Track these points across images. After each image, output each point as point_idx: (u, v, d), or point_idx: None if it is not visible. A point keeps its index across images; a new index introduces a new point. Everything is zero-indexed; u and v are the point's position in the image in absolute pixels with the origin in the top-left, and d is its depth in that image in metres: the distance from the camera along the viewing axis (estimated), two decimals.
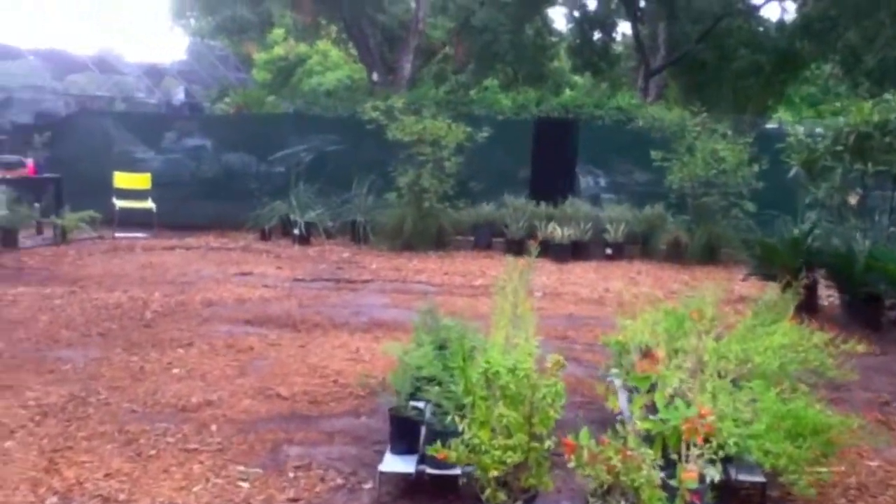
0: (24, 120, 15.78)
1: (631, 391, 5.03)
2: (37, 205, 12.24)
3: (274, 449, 5.07)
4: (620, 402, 5.20)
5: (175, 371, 6.43)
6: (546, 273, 10.57)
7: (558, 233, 12.07)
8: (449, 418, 3.97)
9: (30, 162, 12.70)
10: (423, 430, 4.66)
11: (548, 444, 3.72)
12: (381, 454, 4.90)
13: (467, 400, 3.78)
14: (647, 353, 5.05)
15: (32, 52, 21.83)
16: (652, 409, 3.97)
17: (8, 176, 12.34)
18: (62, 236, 11.95)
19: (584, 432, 3.56)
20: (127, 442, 5.06)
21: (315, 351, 7.05)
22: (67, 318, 7.82)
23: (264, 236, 12.76)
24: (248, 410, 5.66)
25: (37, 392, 5.83)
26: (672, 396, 4.02)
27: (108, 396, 5.81)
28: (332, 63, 30.07)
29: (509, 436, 3.66)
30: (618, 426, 3.77)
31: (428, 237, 12.25)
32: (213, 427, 5.34)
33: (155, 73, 25.42)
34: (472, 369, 3.92)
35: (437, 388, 4.68)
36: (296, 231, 12.56)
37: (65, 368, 6.39)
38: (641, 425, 3.65)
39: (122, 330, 7.51)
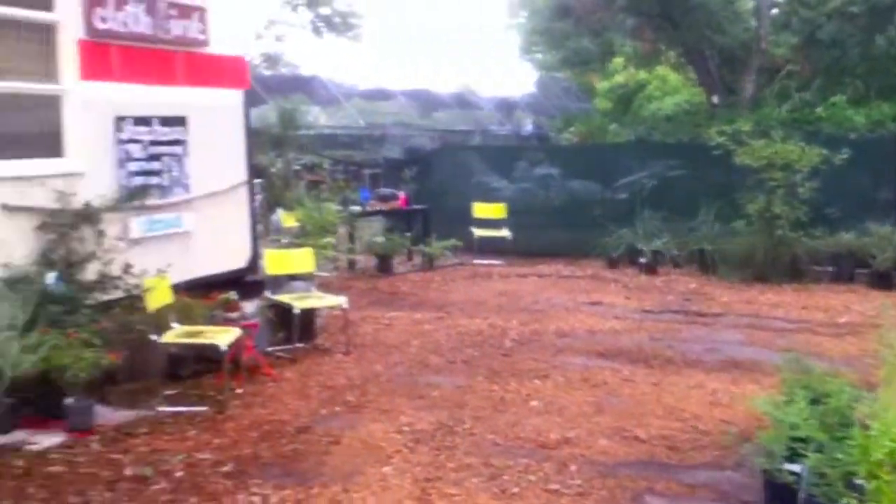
0: (395, 155, 16.80)
1: None
2: (407, 234, 12.89)
3: (635, 498, 4.72)
4: None
5: (533, 404, 6.30)
6: None
7: None
8: (844, 501, 3.34)
9: (402, 194, 13.45)
10: (802, 496, 4.07)
11: None
12: None
13: (871, 485, 3.13)
14: None
15: (402, 93, 23.42)
16: None
17: (383, 207, 13.17)
18: (429, 263, 12.51)
19: None
20: (491, 476, 4.97)
21: (669, 390, 6.59)
22: (435, 344, 8.04)
23: (611, 264, 12.41)
24: (607, 452, 5.36)
25: (410, 417, 5.97)
26: None
27: (473, 426, 5.80)
28: (670, 88, 29.13)
29: None
30: None
31: (781, 268, 11.09)
32: (573, 467, 5.10)
33: (506, 106, 26.19)
34: (873, 445, 3.27)
35: (816, 453, 4.05)
36: (641, 260, 12.07)
37: (433, 395, 6.51)
38: None
39: (483, 358, 7.56)
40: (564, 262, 12.86)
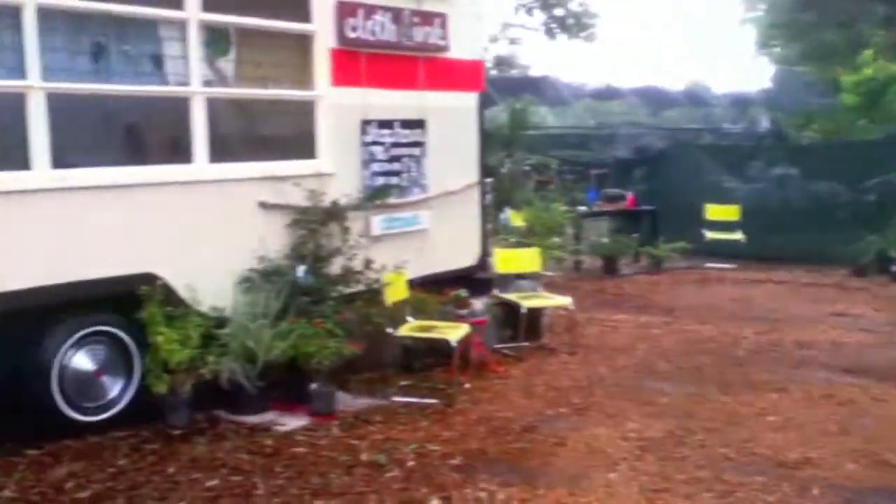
0: (623, 154, 16.41)
1: None
2: (634, 235, 12.53)
3: None
4: None
5: (770, 419, 5.88)
6: None
7: None
8: None
9: (629, 195, 13.12)
10: None
11: None
12: None
13: None
14: None
15: (631, 91, 22.90)
16: None
17: (610, 208, 12.92)
18: (656, 265, 12.11)
19: None
20: (723, 493, 4.68)
21: None
22: (662, 349, 7.75)
23: (857, 272, 11.35)
24: (854, 477, 4.90)
25: (636, 424, 5.77)
26: None
27: (705, 438, 5.50)
28: None
29: None
30: None
31: None
32: (815, 491, 4.69)
33: (740, 103, 24.88)
34: None
35: None
36: (894, 268, 10.97)
37: (661, 402, 6.27)
38: None
39: (714, 366, 7.19)
40: (803, 268, 11.94)
